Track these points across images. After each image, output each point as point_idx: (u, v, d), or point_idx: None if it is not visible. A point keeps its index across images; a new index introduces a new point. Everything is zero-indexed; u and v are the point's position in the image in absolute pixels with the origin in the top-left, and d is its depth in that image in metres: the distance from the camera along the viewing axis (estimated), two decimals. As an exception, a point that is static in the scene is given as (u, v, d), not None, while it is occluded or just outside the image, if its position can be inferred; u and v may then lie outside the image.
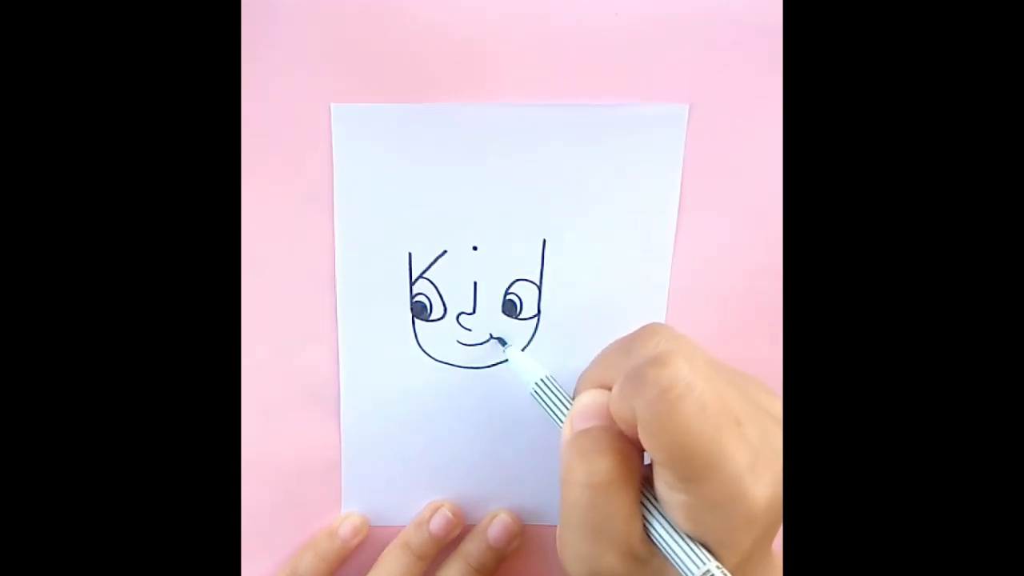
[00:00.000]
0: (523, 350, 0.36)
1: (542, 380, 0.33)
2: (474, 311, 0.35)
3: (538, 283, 0.35)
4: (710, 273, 0.35)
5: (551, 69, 0.32)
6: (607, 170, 0.33)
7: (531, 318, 0.35)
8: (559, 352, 0.36)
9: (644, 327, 0.29)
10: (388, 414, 0.36)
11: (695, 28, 0.31)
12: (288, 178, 0.33)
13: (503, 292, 0.35)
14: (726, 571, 0.26)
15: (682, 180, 0.33)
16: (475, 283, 0.35)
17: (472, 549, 0.37)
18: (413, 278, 0.35)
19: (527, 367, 0.34)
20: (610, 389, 0.28)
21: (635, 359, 0.27)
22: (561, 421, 0.32)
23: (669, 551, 0.27)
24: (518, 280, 0.35)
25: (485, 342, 0.36)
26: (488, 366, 0.36)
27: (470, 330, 0.35)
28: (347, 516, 0.38)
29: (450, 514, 0.37)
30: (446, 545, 0.38)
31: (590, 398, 0.29)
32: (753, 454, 0.25)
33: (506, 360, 0.36)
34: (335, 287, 0.34)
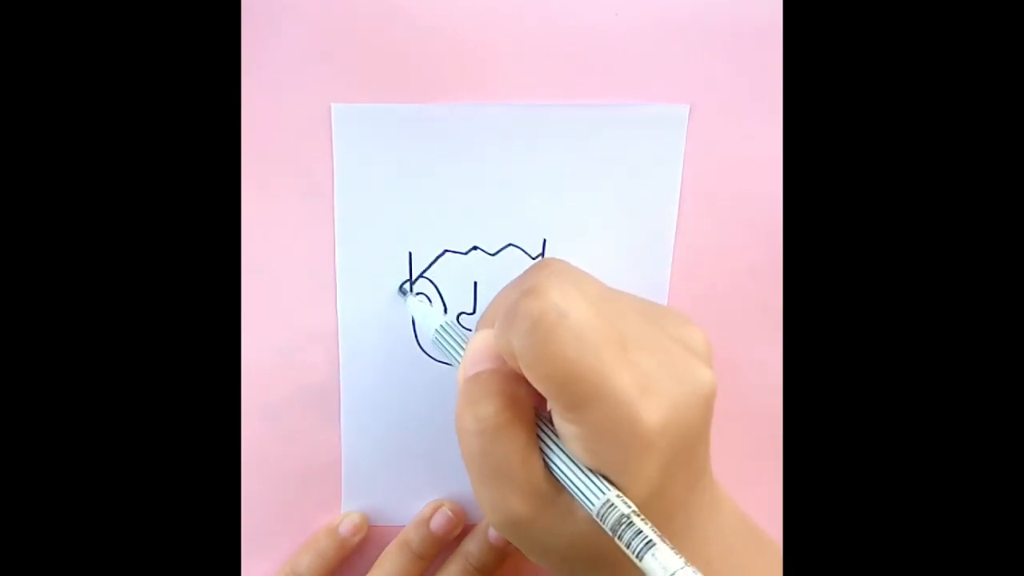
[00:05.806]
0: None
1: (441, 327, 0.33)
2: (474, 311, 0.35)
3: (538, 283, 0.35)
4: (710, 273, 0.35)
5: (551, 69, 0.32)
6: (607, 170, 0.33)
7: (531, 318, 0.35)
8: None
9: (536, 263, 0.29)
10: (388, 414, 0.36)
11: (695, 28, 0.31)
12: (288, 178, 0.33)
13: (503, 292, 0.35)
14: (627, 500, 0.25)
15: (682, 180, 0.33)
16: (475, 283, 0.35)
17: (473, 548, 0.37)
18: (413, 278, 0.35)
19: (427, 315, 0.34)
20: None
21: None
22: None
23: (570, 485, 0.26)
24: (518, 280, 0.35)
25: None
26: (488, 366, 0.36)
27: (470, 330, 0.35)
28: (347, 515, 0.38)
29: (451, 513, 0.37)
30: (447, 544, 0.38)
31: (481, 340, 0.28)
32: (641, 378, 0.25)
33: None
34: (335, 287, 0.34)
